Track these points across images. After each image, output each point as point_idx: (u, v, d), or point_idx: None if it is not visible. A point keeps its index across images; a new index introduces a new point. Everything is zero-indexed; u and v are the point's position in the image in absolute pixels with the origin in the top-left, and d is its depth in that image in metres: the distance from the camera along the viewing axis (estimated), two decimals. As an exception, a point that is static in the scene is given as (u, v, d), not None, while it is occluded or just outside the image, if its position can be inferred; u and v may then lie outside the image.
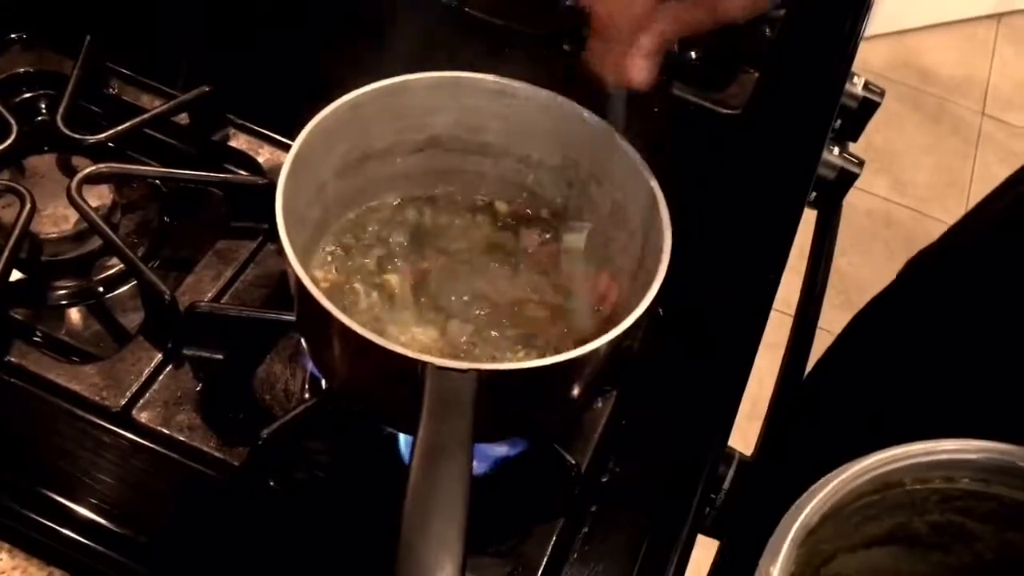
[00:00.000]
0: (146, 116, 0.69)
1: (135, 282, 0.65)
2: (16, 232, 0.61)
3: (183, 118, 0.71)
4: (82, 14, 0.75)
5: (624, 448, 0.62)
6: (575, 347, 0.50)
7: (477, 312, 0.60)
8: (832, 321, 0.95)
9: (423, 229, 0.64)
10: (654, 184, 0.56)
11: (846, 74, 0.89)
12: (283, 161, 0.54)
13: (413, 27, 0.81)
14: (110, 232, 0.62)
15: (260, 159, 0.72)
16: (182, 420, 0.58)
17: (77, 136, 0.67)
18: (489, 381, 0.47)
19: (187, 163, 0.71)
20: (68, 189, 0.62)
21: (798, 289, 0.92)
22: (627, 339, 0.62)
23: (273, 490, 0.57)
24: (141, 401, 0.59)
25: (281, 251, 0.51)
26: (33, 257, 0.64)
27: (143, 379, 0.59)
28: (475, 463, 0.58)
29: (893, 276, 0.88)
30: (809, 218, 0.98)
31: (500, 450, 0.59)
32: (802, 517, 0.51)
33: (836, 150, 0.88)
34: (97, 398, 0.58)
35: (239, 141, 0.72)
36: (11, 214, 0.62)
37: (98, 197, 0.65)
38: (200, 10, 0.80)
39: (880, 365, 0.79)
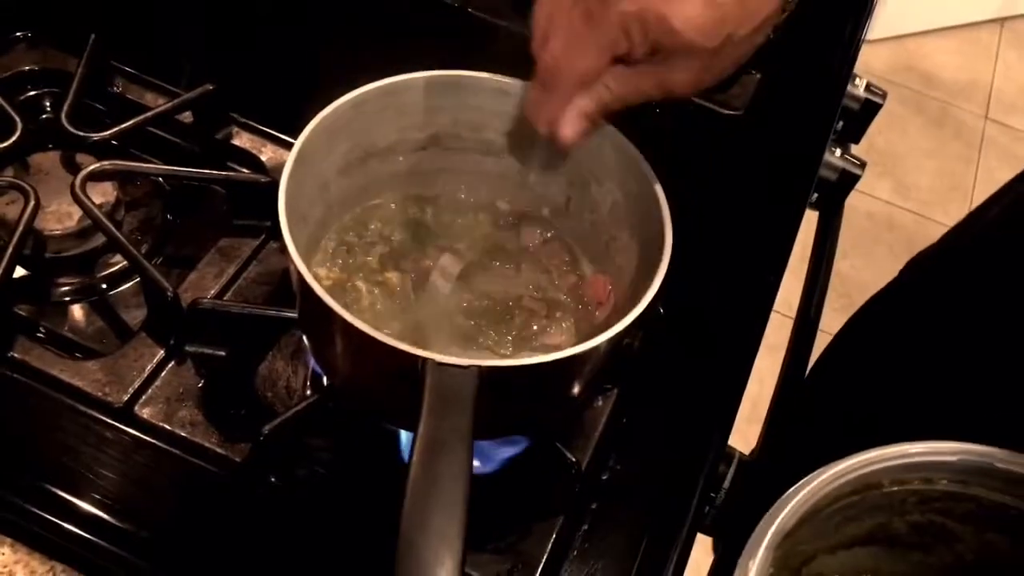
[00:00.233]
0: (150, 114, 0.69)
1: (138, 279, 0.65)
2: (20, 228, 0.61)
3: (187, 116, 0.72)
4: (87, 13, 0.76)
5: (624, 446, 0.62)
6: (576, 345, 0.51)
7: (479, 309, 0.60)
8: (833, 323, 0.96)
9: (425, 227, 0.64)
10: (655, 183, 0.56)
11: (848, 76, 0.90)
12: (286, 159, 0.54)
13: (416, 27, 0.81)
14: (114, 229, 0.63)
15: (263, 157, 0.72)
16: (184, 416, 0.59)
17: (81, 134, 0.67)
18: (490, 377, 0.48)
19: (190, 161, 0.71)
20: (72, 186, 0.63)
21: (800, 291, 0.92)
22: (627, 337, 0.62)
23: (274, 486, 0.57)
24: (143, 397, 0.59)
25: (283, 248, 0.51)
26: (37, 254, 0.64)
27: (145, 375, 0.60)
28: (477, 462, 0.59)
29: (895, 280, 0.89)
30: (811, 220, 0.98)
31: (503, 450, 0.59)
32: (778, 521, 0.51)
33: (838, 152, 0.88)
34: (100, 394, 0.59)
35: (242, 139, 0.73)
36: (15, 211, 0.62)
37: (102, 194, 0.65)
38: (203, 9, 0.81)
39: (877, 365, 0.79)
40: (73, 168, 0.66)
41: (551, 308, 0.61)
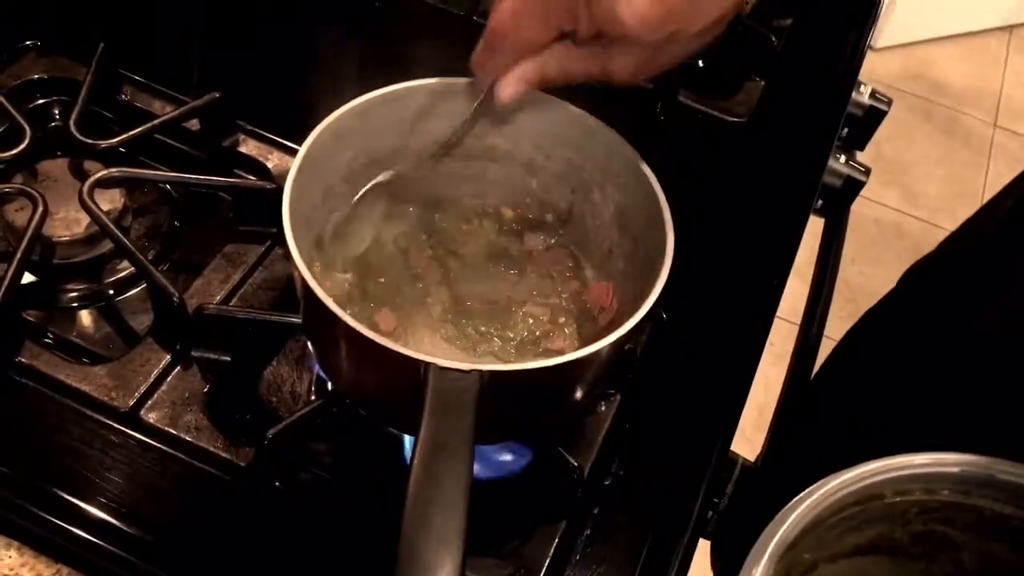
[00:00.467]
0: (157, 122, 0.70)
1: (145, 285, 0.65)
2: (28, 235, 0.62)
3: (194, 124, 0.72)
4: (95, 22, 0.77)
5: (627, 452, 0.62)
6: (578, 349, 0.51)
7: (481, 315, 0.61)
8: (840, 331, 0.95)
9: (429, 233, 0.64)
10: (657, 188, 0.56)
11: (852, 82, 0.90)
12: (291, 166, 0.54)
13: (422, 35, 0.82)
14: (121, 235, 0.63)
15: (269, 164, 0.72)
16: (189, 421, 0.59)
17: (89, 141, 0.68)
18: (491, 381, 0.48)
19: (197, 168, 0.72)
20: (80, 193, 0.63)
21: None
22: (630, 342, 0.63)
23: (278, 490, 0.58)
24: (149, 402, 0.60)
25: (288, 254, 0.51)
26: (45, 260, 0.65)
27: (151, 380, 0.60)
28: (481, 468, 0.59)
29: (903, 287, 0.89)
30: (819, 227, 0.98)
31: (507, 462, 0.60)
32: (781, 532, 0.51)
33: (843, 158, 0.89)
34: (106, 398, 0.59)
35: (249, 147, 0.73)
36: (24, 217, 0.63)
37: (109, 201, 0.66)
38: (210, 18, 0.81)
39: (878, 372, 0.79)
40: (81, 175, 0.67)
41: (554, 314, 0.62)
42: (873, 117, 0.94)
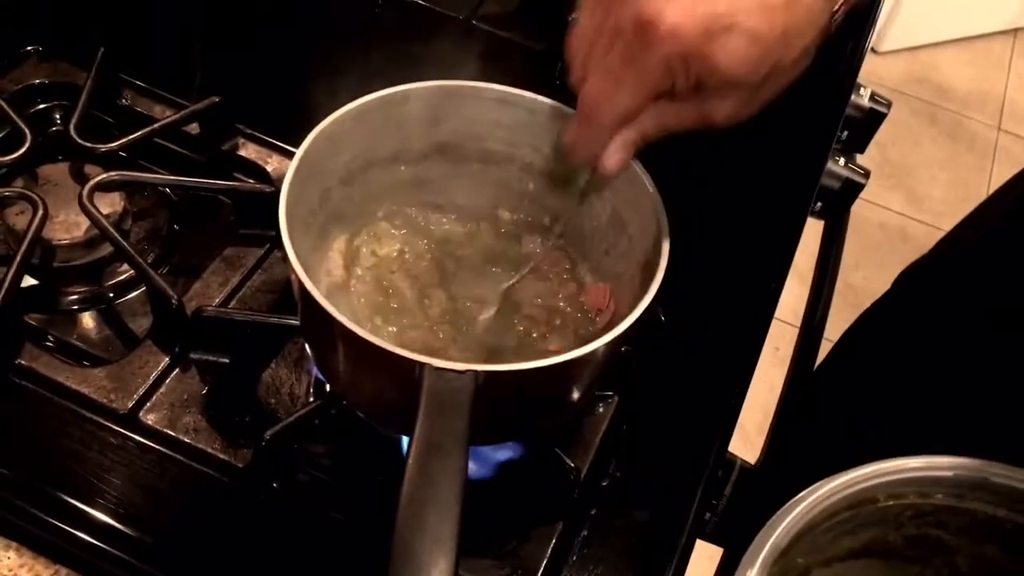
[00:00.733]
0: (157, 125, 0.70)
1: (144, 287, 0.66)
2: (28, 238, 0.62)
3: (193, 128, 0.73)
4: (96, 27, 0.77)
5: (625, 453, 0.62)
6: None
7: (479, 317, 0.61)
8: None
9: (427, 236, 0.64)
10: (652, 189, 0.57)
11: (851, 84, 0.90)
12: (290, 169, 0.55)
13: (422, 39, 0.82)
14: (120, 239, 0.64)
15: (268, 168, 0.73)
16: (188, 422, 0.59)
17: (89, 145, 0.68)
18: (487, 382, 0.48)
19: (197, 172, 0.72)
20: (80, 196, 0.64)
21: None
22: (626, 343, 0.63)
23: (276, 491, 0.58)
24: (148, 404, 0.60)
25: (285, 256, 0.51)
26: (46, 263, 0.65)
27: (150, 382, 0.61)
28: (476, 467, 0.59)
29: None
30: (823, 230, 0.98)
31: (499, 454, 0.60)
32: (773, 538, 0.51)
33: (842, 161, 0.89)
34: (105, 400, 0.59)
35: (248, 150, 0.74)
36: (24, 221, 0.63)
37: (109, 204, 0.66)
38: (209, 22, 0.82)
39: (874, 373, 0.79)
40: (81, 179, 0.67)
41: (551, 315, 0.62)
42: (873, 119, 0.94)
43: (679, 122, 0.53)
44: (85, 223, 0.65)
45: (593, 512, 0.59)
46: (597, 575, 0.57)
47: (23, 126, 0.69)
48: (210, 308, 0.63)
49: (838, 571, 0.57)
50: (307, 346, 0.62)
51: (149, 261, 0.66)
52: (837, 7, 0.53)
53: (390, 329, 0.59)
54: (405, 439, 0.59)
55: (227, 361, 0.62)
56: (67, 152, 0.69)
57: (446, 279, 0.63)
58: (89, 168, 0.68)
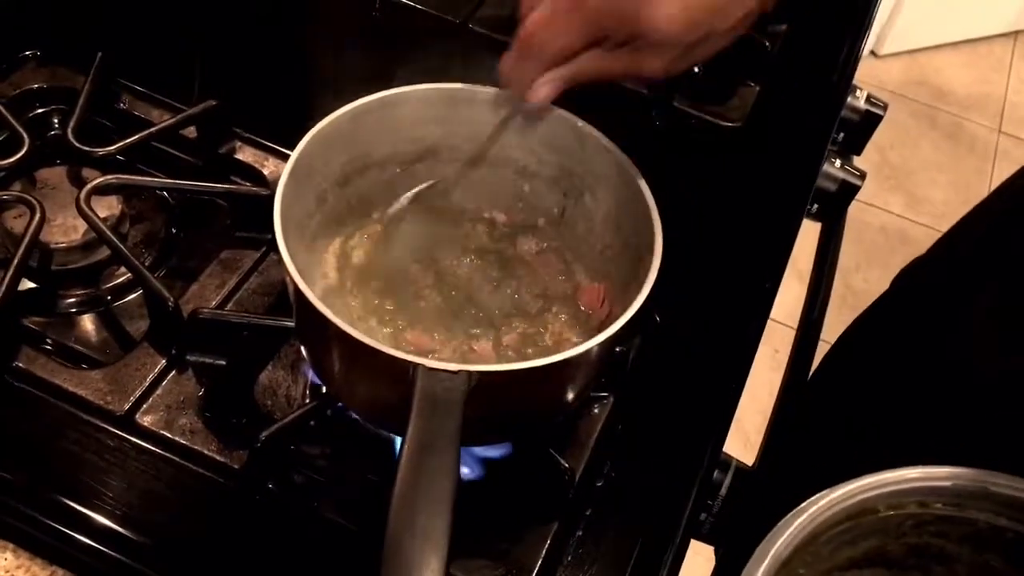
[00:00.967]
0: (154, 129, 0.71)
1: (141, 290, 0.66)
2: (26, 241, 0.62)
3: (190, 131, 0.73)
4: (94, 32, 0.78)
5: (619, 454, 0.62)
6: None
7: (474, 318, 0.61)
8: (841, 336, 0.95)
9: (421, 238, 0.65)
10: (645, 189, 0.57)
11: (847, 87, 0.90)
12: (286, 172, 0.55)
13: (418, 42, 0.83)
14: (118, 242, 0.64)
15: (265, 171, 0.73)
16: (184, 424, 0.60)
17: (87, 149, 0.68)
18: (480, 382, 0.48)
19: (194, 175, 0.72)
20: (77, 200, 0.64)
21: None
22: (621, 344, 0.63)
23: (272, 493, 0.58)
24: (144, 405, 0.60)
25: (280, 259, 0.52)
26: (43, 266, 0.66)
27: (147, 384, 0.61)
28: (472, 468, 0.59)
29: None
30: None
31: (489, 452, 0.60)
32: (774, 549, 0.51)
33: (838, 163, 0.89)
34: (102, 402, 0.60)
35: (245, 154, 0.74)
36: (22, 224, 0.64)
37: (107, 208, 0.67)
38: (206, 27, 0.82)
39: (871, 374, 0.79)
40: (79, 182, 0.68)
41: (546, 316, 0.62)
42: (869, 121, 0.94)
43: (610, 70, 0.56)
44: (83, 226, 0.65)
45: (588, 512, 0.59)
46: (591, 575, 0.57)
47: (21, 130, 0.69)
48: (206, 310, 0.63)
49: (839, 581, 0.57)
50: (302, 348, 0.62)
51: (146, 264, 0.66)
52: None
53: (384, 331, 0.59)
54: (399, 440, 0.60)
55: (223, 363, 0.62)
56: (65, 156, 0.69)
57: (441, 281, 0.63)
58: (87, 172, 0.69)
